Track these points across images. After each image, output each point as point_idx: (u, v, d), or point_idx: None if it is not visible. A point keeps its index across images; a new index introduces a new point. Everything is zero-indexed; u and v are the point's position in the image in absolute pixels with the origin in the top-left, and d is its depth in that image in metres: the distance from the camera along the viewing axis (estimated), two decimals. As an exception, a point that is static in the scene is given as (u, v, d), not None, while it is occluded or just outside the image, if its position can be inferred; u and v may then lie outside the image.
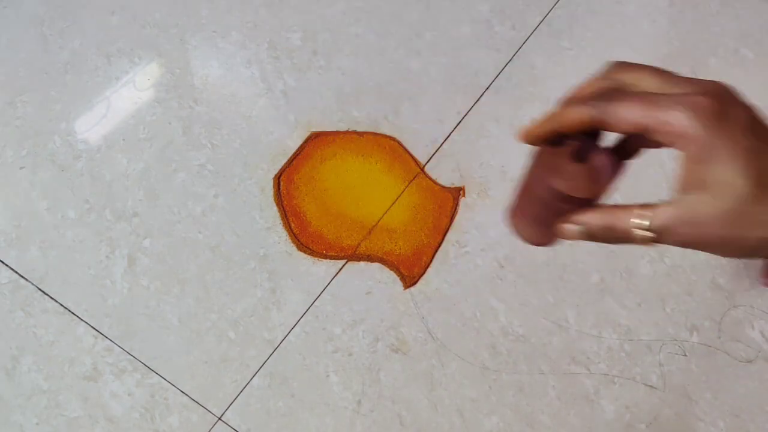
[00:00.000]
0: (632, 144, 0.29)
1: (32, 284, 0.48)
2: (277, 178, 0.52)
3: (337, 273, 0.49)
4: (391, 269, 0.49)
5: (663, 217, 0.25)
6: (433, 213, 0.51)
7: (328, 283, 0.49)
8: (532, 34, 0.59)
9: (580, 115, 0.25)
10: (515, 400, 0.45)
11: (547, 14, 0.60)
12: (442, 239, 0.50)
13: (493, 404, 0.45)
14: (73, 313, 0.48)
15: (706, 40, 0.59)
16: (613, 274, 0.49)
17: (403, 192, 0.51)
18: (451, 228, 0.51)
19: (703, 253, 0.51)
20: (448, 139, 0.52)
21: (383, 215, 0.51)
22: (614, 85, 0.26)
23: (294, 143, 0.54)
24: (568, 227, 0.27)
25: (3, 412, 0.45)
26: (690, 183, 0.24)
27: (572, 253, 0.50)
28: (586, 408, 0.45)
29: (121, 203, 0.51)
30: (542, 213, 0.29)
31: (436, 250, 0.50)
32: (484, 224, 0.51)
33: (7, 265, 0.49)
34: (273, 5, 0.60)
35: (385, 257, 0.49)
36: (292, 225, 0.51)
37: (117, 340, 0.47)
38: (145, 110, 0.55)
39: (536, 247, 0.32)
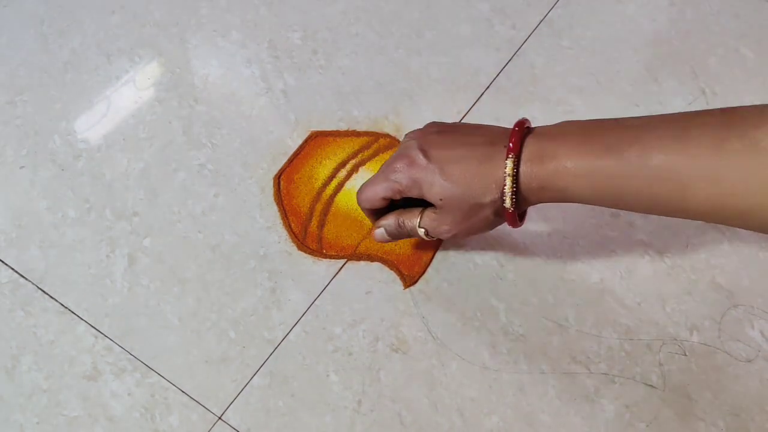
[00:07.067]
0: None
1: (32, 283, 0.48)
2: (277, 178, 0.52)
3: (337, 273, 0.49)
4: (391, 269, 0.49)
5: (426, 220, 0.39)
6: (433, 212, 0.51)
7: (328, 283, 0.49)
8: (532, 34, 0.59)
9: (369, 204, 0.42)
10: (515, 400, 0.45)
11: (547, 14, 0.60)
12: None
13: (493, 404, 0.45)
14: (73, 312, 0.48)
15: (706, 40, 0.59)
16: (613, 274, 0.49)
17: (403, 191, 0.51)
18: (451, 227, 0.51)
19: (703, 252, 0.51)
20: (448, 138, 0.52)
21: (383, 215, 0.51)
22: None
23: (294, 143, 0.54)
24: (378, 230, 0.43)
25: (3, 411, 0.45)
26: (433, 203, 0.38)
27: (572, 252, 0.50)
28: (587, 407, 0.45)
29: (121, 203, 0.51)
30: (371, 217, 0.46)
31: (436, 250, 0.50)
32: (484, 224, 0.51)
33: (7, 264, 0.49)
34: (273, 4, 0.60)
35: (385, 257, 0.49)
36: (292, 224, 0.51)
37: (117, 339, 0.47)
38: (146, 109, 0.55)
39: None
